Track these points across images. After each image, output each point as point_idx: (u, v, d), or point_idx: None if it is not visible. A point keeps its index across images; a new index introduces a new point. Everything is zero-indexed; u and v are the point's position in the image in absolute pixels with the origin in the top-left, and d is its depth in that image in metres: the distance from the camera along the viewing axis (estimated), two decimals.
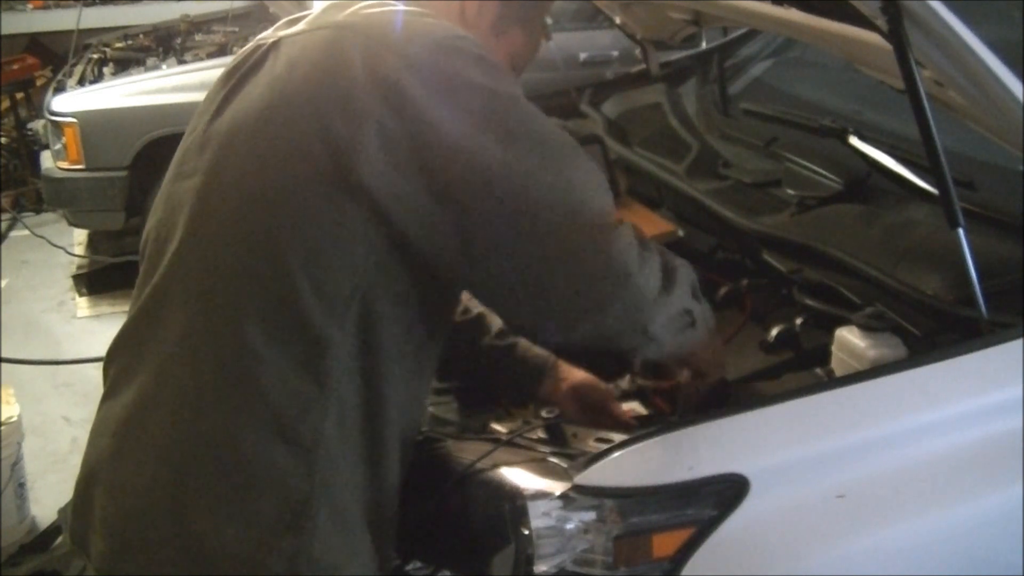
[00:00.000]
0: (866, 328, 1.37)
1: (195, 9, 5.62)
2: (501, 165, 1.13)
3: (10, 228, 5.35)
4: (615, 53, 4.55)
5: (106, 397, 1.29)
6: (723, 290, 1.77)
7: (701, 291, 1.35)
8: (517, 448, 1.37)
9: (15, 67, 6.10)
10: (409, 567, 1.52)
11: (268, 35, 1.32)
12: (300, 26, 1.29)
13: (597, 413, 1.61)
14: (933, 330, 1.43)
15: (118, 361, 1.29)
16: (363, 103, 1.13)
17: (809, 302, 1.62)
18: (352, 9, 1.26)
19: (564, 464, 1.26)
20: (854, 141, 1.94)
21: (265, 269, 1.15)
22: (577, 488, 1.18)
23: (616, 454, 1.21)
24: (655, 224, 1.97)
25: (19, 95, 6.16)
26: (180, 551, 1.15)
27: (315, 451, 1.15)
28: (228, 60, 1.38)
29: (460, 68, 1.16)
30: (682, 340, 1.31)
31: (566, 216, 1.15)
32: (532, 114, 1.19)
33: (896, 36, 1.33)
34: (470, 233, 1.14)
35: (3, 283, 4.81)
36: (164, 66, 4.59)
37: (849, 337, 1.39)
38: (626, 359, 1.30)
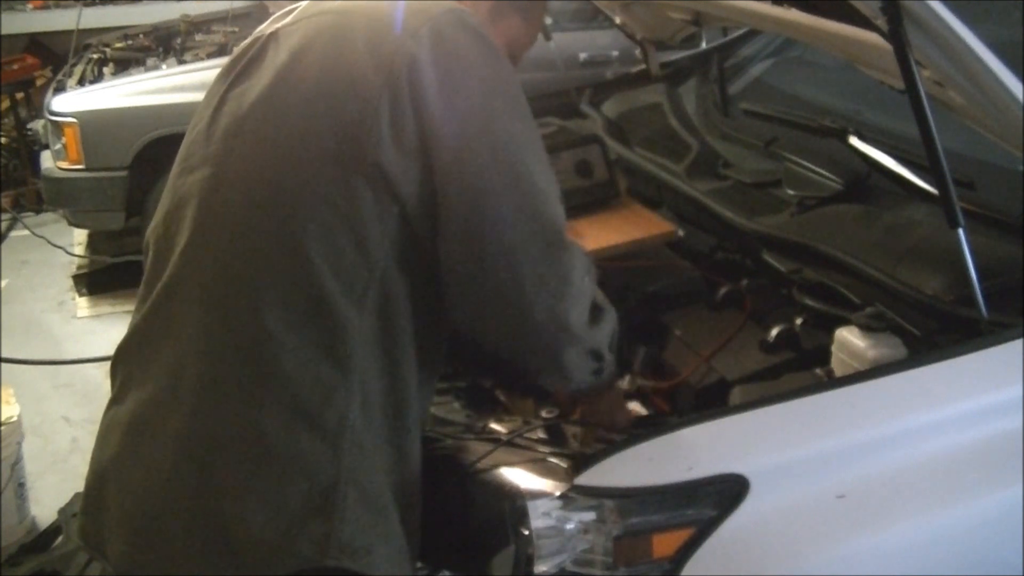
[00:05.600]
0: (866, 328, 1.37)
1: (195, 9, 5.61)
2: (503, 144, 1.17)
3: (10, 228, 5.34)
4: (615, 53, 4.54)
5: (115, 400, 1.29)
6: (723, 290, 1.77)
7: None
8: (517, 448, 1.37)
9: (15, 67, 6.08)
10: None
11: (265, 28, 1.33)
12: (295, 15, 1.30)
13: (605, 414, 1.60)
14: (933, 330, 1.43)
15: (127, 362, 1.29)
16: (372, 85, 1.15)
17: (809, 302, 1.62)
18: None
19: (564, 464, 1.26)
20: (854, 141, 1.94)
21: (282, 255, 1.16)
22: (577, 488, 1.19)
23: (616, 454, 1.21)
24: (655, 224, 1.97)
25: (19, 95, 6.15)
26: (205, 542, 1.15)
27: (340, 435, 1.15)
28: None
29: (465, 48, 1.19)
30: (586, 383, 1.34)
31: (538, 213, 1.19)
32: (523, 105, 1.23)
33: (896, 36, 1.33)
34: (451, 216, 1.17)
35: (3, 283, 4.81)
36: (164, 66, 4.59)
37: (849, 337, 1.39)
38: (529, 382, 1.35)
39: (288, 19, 1.31)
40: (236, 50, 1.35)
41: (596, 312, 1.29)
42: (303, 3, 1.34)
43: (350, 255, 1.15)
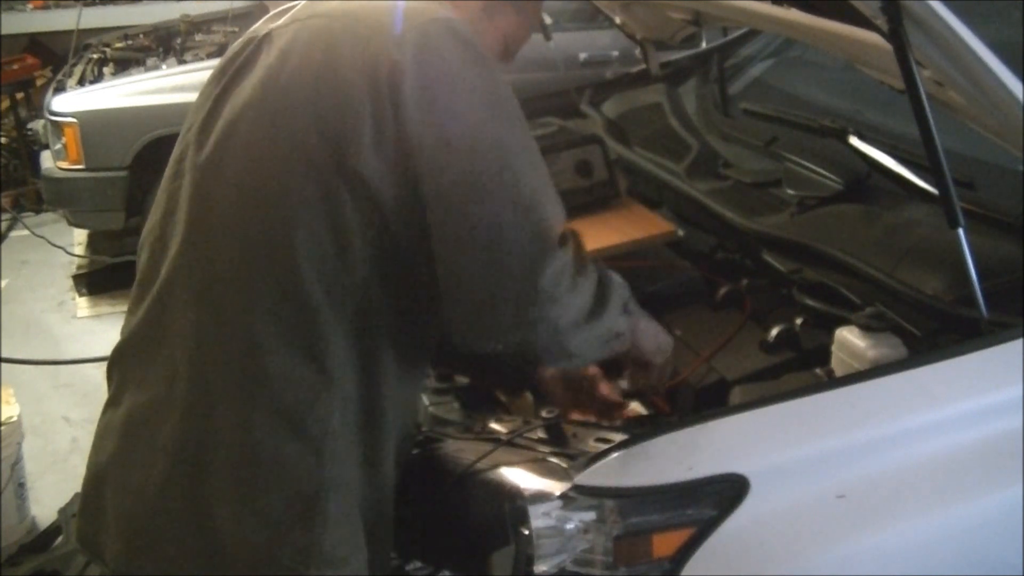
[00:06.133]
0: (866, 328, 1.37)
1: (195, 9, 5.61)
2: (485, 150, 1.14)
3: (10, 228, 5.34)
4: (615, 53, 4.54)
5: (111, 402, 1.29)
6: (723, 290, 1.77)
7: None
8: (517, 448, 1.37)
9: (15, 67, 6.08)
10: (409, 567, 1.52)
11: (259, 28, 1.32)
12: (289, 17, 1.29)
13: (584, 395, 1.60)
14: (933, 330, 1.43)
15: (123, 365, 1.29)
16: (357, 91, 1.14)
17: (809, 302, 1.62)
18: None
19: (564, 464, 1.26)
20: (854, 141, 1.94)
21: (271, 261, 1.16)
22: (577, 488, 1.18)
23: (616, 454, 1.21)
24: (655, 224, 1.97)
25: (19, 95, 6.15)
26: (198, 546, 1.15)
27: (323, 444, 1.15)
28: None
29: (450, 54, 1.17)
30: (607, 351, 1.31)
31: (518, 227, 1.15)
32: (512, 111, 1.20)
33: (896, 36, 1.33)
34: (440, 226, 1.14)
35: (3, 283, 4.80)
36: (164, 66, 4.59)
37: (849, 337, 1.39)
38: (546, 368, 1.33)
39: (282, 20, 1.30)
40: (229, 51, 1.34)
41: (600, 298, 1.26)
42: (298, 4, 1.33)
43: (334, 262, 1.15)
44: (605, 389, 1.63)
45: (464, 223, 1.14)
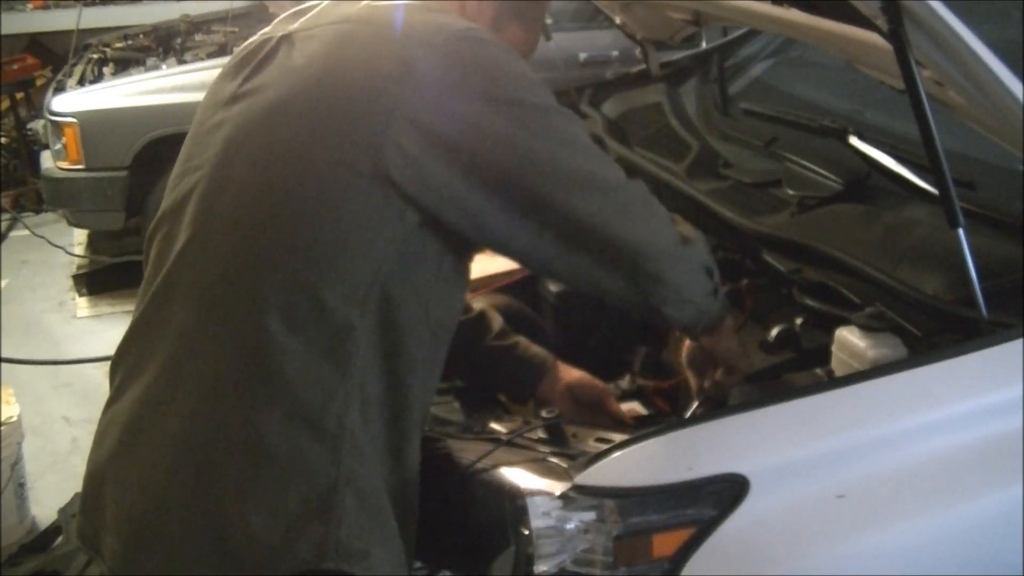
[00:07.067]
0: (866, 328, 1.37)
1: (195, 9, 5.61)
2: (527, 148, 1.18)
3: (10, 228, 5.35)
4: (615, 53, 4.54)
5: (112, 400, 1.29)
6: (723, 290, 1.77)
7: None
8: (517, 448, 1.37)
9: (15, 67, 6.09)
10: None
11: (274, 30, 1.32)
12: (309, 21, 1.30)
13: (594, 411, 1.61)
14: (933, 330, 1.43)
15: (124, 363, 1.29)
16: (389, 95, 1.15)
17: (809, 302, 1.62)
18: (361, 5, 1.27)
19: (564, 464, 1.26)
20: (854, 141, 1.93)
21: (285, 258, 1.16)
22: (577, 488, 1.19)
23: (616, 454, 1.21)
24: None
25: (19, 95, 6.15)
26: (203, 543, 1.15)
27: (340, 438, 1.15)
28: (228, 59, 1.38)
29: (482, 56, 1.20)
30: (709, 305, 1.35)
31: (585, 186, 1.21)
32: (547, 100, 1.24)
33: (896, 36, 1.33)
34: (508, 211, 1.19)
35: (3, 283, 4.81)
36: (164, 66, 4.59)
37: (849, 337, 1.39)
38: (665, 320, 1.35)
39: (302, 23, 1.30)
40: (243, 49, 1.34)
41: (684, 234, 1.32)
42: (317, 6, 1.33)
43: (353, 260, 1.15)
44: (613, 406, 1.63)
45: (538, 202, 1.19)
